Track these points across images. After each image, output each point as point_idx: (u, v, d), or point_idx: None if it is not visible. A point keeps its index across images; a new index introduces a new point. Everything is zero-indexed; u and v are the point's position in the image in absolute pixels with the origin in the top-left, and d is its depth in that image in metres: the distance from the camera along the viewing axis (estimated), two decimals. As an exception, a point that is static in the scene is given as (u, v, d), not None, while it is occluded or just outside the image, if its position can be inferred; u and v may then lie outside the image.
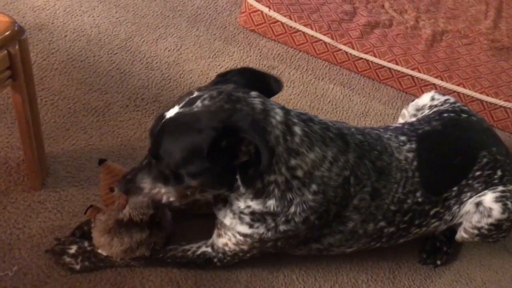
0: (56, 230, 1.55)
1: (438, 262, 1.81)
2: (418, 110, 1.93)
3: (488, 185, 1.65)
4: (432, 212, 1.63)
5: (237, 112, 1.19)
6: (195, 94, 1.25)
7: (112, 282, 1.49)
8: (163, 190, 1.29)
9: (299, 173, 1.30)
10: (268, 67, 2.41)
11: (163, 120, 1.22)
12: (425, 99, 1.93)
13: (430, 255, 1.81)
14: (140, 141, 1.89)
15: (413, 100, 1.99)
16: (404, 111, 2.02)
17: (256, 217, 1.37)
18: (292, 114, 1.32)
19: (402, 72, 2.45)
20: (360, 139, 1.48)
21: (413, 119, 1.89)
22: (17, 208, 1.58)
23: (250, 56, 2.44)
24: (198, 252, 1.54)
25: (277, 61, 2.46)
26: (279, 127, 1.26)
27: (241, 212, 1.37)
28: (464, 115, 1.78)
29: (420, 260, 1.81)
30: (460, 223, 1.70)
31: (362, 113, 2.34)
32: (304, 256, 1.67)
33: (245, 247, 1.46)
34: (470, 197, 1.64)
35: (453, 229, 1.76)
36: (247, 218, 1.38)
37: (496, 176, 1.65)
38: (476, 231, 1.66)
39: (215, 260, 1.54)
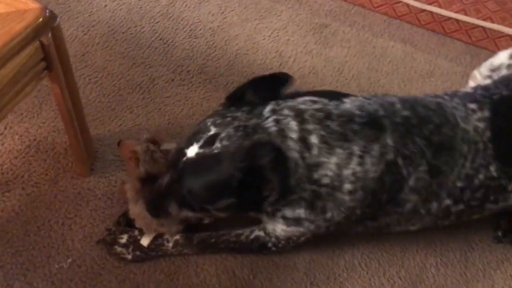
0: (107, 219, 1.52)
1: (516, 241, 1.65)
2: (493, 71, 1.70)
3: None
4: (510, 187, 1.45)
5: (257, 147, 1.19)
6: (212, 131, 1.23)
7: (166, 272, 1.45)
8: (190, 214, 1.33)
9: (325, 181, 1.26)
10: (320, 25, 2.22)
11: (184, 159, 1.23)
12: (501, 57, 1.69)
13: (507, 233, 1.64)
14: (187, 118, 1.79)
15: (487, 60, 1.76)
16: (475, 72, 1.78)
17: (290, 222, 1.35)
18: (306, 117, 1.25)
19: (472, 23, 2.18)
20: (406, 115, 1.34)
21: (488, 81, 1.67)
22: (67, 196, 1.55)
23: (300, 14, 2.25)
24: (252, 237, 1.48)
25: (329, 18, 2.26)
26: (297, 148, 1.23)
27: (273, 215, 1.36)
28: None
29: (495, 238, 1.65)
30: None
31: (427, 73, 2.12)
32: (366, 239, 1.56)
33: (295, 235, 1.42)
34: None
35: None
36: (281, 221, 1.36)
37: None
38: None
39: (269, 244, 1.47)
